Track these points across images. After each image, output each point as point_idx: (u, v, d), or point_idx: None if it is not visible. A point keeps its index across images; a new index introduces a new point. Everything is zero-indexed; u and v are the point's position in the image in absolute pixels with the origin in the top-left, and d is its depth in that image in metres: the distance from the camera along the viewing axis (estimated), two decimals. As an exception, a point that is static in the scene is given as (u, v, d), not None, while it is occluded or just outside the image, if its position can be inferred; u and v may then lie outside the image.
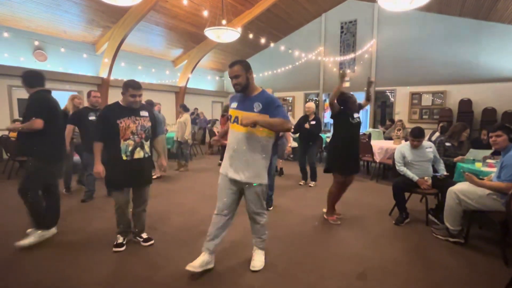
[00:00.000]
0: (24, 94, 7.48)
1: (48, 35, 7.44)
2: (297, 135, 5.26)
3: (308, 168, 5.06)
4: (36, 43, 7.21)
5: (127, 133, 2.42)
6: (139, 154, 2.49)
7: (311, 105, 5.03)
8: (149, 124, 2.57)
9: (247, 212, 2.26)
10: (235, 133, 2.14)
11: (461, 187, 2.69)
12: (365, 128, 16.66)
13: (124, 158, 2.42)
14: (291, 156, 7.85)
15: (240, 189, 2.19)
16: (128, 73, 9.30)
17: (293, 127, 5.04)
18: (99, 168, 2.41)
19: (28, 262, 2.34)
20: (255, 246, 2.36)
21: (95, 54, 8.53)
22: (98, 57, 8.55)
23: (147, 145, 2.56)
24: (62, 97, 9.78)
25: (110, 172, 2.44)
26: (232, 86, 2.14)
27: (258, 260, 2.30)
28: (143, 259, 2.42)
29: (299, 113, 10.46)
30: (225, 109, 5.98)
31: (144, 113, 2.56)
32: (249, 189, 2.15)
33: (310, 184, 5.01)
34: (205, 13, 6.61)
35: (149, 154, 2.61)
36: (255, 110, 2.06)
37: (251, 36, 8.68)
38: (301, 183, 5.12)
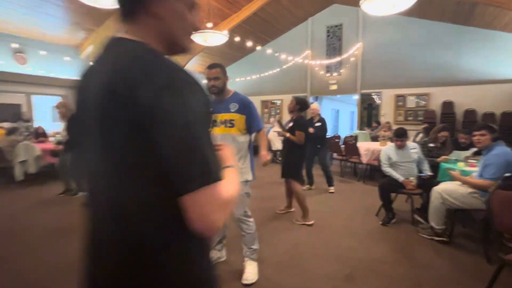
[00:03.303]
0: (3, 98, 7.26)
1: (28, 38, 7.21)
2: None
3: (312, 173, 4.81)
4: (13, 45, 6.98)
5: None
6: None
7: (316, 106, 4.75)
8: None
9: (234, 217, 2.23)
10: (213, 135, 2.19)
11: (444, 187, 2.75)
12: (353, 130, 17.00)
13: None
14: (279, 159, 7.86)
15: None
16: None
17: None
18: None
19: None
20: (246, 257, 2.26)
21: (79, 57, 8.34)
22: (82, 60, 8.36)
23: None
24: (45, 102, 9.47)
25: None
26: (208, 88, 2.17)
27: (250, 273, 2.18)
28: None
29: (287, 116, 10.51)
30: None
31: None
32: None
33: (330, 190, 4.65)
34: (210, 17, 6.52)
35: None
36: (231, 110, 2.14)
37: (238, 39, 8.69)
38: (304, 188, 4.66)
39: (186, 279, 0.62)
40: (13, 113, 6.69)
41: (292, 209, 3.72)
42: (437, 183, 3.01)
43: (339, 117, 16.00)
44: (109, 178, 0.59)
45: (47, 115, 9.26)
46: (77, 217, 3.53)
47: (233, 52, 11.30)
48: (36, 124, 7.57)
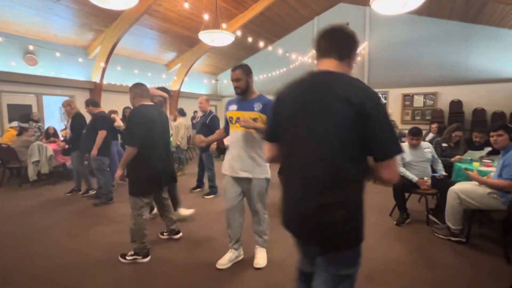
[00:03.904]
0: (14, 99, 7.34)
1: (39, 39, 7.28)
2: None
3: None
4: (31, 47, 7.06)
5: None
6: None
7: None
8: None
9: (250, 209, 2.36)
10: (235, 132, 2.27)
11: (462, 187, 2.74)
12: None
13: None
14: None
15: (242, 186, 2.30)
16: (121, 77, 9.19)
17: None
18: None
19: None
20: (257, 245, 2.44)
21: (87, 58, 8.39)
22: (90, 61, 8.41)
23: None
24: (55, 102, 9.55)
25: None
26: (233, 89, 2.26)
27: (261, 258, 2.39)
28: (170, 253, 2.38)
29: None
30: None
31: None
32: (252, 185, 2.26)
33: None
34: (206, 17, 6.57)
35: None
36: (255, 109, 2.21)
37: (245, 39, 8.70)
38: None
39: (360, 213, 1.07)
40: (23, 113, 6.75)
41: None
42: (452, 183, 2.99)
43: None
44: (333, 150, 1.01)
45: (56, 116, 9.34)
46: (89, 217, 3.57)
47: (238, 52, 11.31)
48: (46, 124, 7.65)
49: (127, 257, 2.44)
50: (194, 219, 3.46)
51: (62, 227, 3.27)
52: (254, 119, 2.18)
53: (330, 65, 1.11)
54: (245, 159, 2.21)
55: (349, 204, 1.02)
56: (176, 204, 3.37)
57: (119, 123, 5.12)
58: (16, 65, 6.95)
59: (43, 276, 2.25)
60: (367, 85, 1.04)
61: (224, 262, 2.36)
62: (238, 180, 2.28)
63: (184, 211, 3.43)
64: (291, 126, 1.11)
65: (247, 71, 2.22)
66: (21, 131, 5.50)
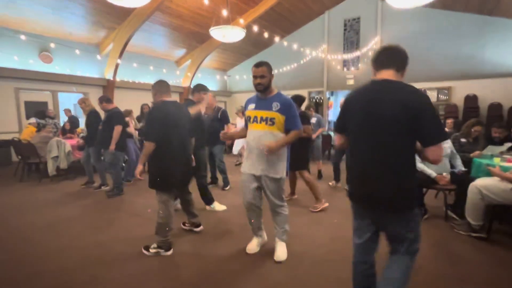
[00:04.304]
0: (31, 96, 7.51)
1: (54, 37, 7.41)
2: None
3: (340, 169, 4.77)
4: (52, 45, 7.21)
5: None
6: None
7: None
8: None
9: (269, 205, 2.40)
10: (254, 131, 2.29)
11: (483, 182, 2.71)
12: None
13: None
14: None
15: (260, 183, 2.33)
16: (132, 73, 9.29)
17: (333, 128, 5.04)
18: None
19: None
20: (277, 238, 2.47)
21: (100, 55, 8.51)
22: (103, 58, 8.53)
23: None
24: (69, 99, 9.74)
25: None
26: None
27: (281, 251, 2.40)
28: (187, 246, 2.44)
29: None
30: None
31: None
32: (268, 183, 2.29)
33: (346, 187, 4.65)
34: (223, 12, 6.61)
35: None
36: (273, 109, 2.22)
37: (254, 34, 8.66)
38: (331, 184, 4.80)
39: (415, 184, 1.45)
40: (38, 110, 6.90)
41: (295, 196, 4.11)
42: (472, 179, 2.96)
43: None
44: (393, 139, 1.36)
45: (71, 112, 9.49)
46: (109, 211, 3.66)
47: (248, 47, 11.29)
48: (61, 121, 7.82)
49: (151, 250, 2.50)
50: (215, 212, 3.59)
51: (85, 220, 3.37)
52: (272, 119, 2.21)
53: (389, 75, 1.45)
54: (262, 159, 2.24)
55: (407, 179, 1.38)
56: (208, 200, 3.57)
57: (131, 130, 5.22)
58: (33, 63, 7.10)
59: (71, 268, 2.33)
60: (418, 89, 1.35)
61: (253, 247, 2.50)
62: (254, 176, 2.32)
63: (218, 206, 3.61)
64: (360, 121, 1.46)
65: (271, 68, 2.25)
66: (40, 128, 5.64)
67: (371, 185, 1.42)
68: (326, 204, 3.65)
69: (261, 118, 2.25)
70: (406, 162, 1.38)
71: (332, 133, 7.18)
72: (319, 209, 3.57)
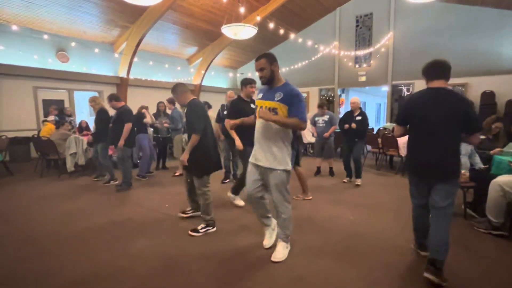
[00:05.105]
0: (48, 95, 7.70)
1: (70, 37, 7.58)
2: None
3: (352, 165, 4.76)
4: (73, 44, 7.38)
5: None
6: None
7: (356, 100, 4.73)
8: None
9: (273, 202, 2.34)
10: (258, 122, 2.30)
11: (505, 179, 2.66)
12: (379, 122, 16.52)
13: None
14: (311, 151, 7.85)
15: (263, 175, 2.31)
16: (144, 71, 9.42)
17: (337, 124, 5.05)
18: None
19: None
20: (279, 238, 2.42)
21: (114, 53, 8.66)
22: (117, 57, 8.68)
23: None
24: (83, 98, 9.95)
25: None
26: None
27: (279, 252, 2.34)
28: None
29: (313, 109, 10.41)
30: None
31: None
32: (270, 175, 2.24)
33: (357, 182, 4.66)
34: (241, 10, 6.66)
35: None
36: (275, 99, 2.18)
37: (265, 32, 8.65)
38: (345, 181, 4.88)
39: (459, 161, 2.08)
40: (59, 108, 7.09)
41: (309, 197, 3.98)
42: (492, 176, 2.91)
43: (365, 109, 15.65)
44: (447, 134, 1.99)
45: (85, 110, 9.73)
46: (127, 205, 3.74)
47: (258, 45, 11.28)
48: (77, 118, 8.01)
49: (200, 230, 2.80)
50: (231, 208, 3.64)
51: (107, 214, 3.45)
52: (274, 109, 2.16)
53: (441, 83, 2.05)
54: (265, 149, 2.23)
55: (455, 157, 2.01)
56: (236, 190, 3.66)
57: (148, 119, 5.30)
58: (52, 62, 7.28)
59: (96, 260, 2.40)
60: (463, 95, 1.69)
61: (266, 242, 2.52)
62: (258, 167, 2.31)
63: (238, 202, 3.68)
64: (423, 116, 2.05)
65: (271, 59, 2.18)
66: (58, 125, 5.80)
67: (432, 160, 2.01)
68: (310, 197, 3.95)
69: (266, 108, 2.20)
70: (454, 144, 1.99)
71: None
72: (302, 198, 3.91)
